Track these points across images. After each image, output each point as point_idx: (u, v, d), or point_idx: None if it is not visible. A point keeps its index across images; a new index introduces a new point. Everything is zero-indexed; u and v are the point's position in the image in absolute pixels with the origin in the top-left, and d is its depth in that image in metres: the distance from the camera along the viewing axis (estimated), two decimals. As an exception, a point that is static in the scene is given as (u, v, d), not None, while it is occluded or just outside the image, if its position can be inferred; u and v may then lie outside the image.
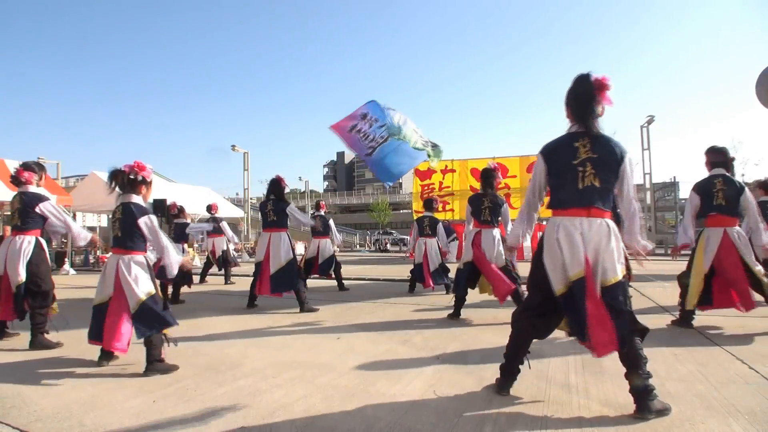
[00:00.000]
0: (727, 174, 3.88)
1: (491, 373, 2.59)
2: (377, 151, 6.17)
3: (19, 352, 3.53)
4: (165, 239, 3.11)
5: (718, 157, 3.96)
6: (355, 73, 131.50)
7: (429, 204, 6.73)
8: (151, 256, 3.27)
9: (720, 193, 3.82)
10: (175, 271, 3.18)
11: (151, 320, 2.95)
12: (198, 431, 2.07)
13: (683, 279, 4.11)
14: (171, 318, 3.03)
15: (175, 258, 3.13)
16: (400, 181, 64.82)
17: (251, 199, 22.45)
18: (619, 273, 2.17)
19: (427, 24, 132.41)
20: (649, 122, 17.25)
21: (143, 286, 2.97)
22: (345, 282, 7.52)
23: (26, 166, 3.87)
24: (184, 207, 7.19)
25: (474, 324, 4.38)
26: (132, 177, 3.06)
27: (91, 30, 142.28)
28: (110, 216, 3.18)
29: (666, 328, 4.05)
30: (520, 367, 2.48)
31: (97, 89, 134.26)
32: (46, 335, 3.69)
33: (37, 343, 3.61)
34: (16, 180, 3.82)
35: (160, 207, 8.18)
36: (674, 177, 31.28)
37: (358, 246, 35.01)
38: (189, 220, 7.24)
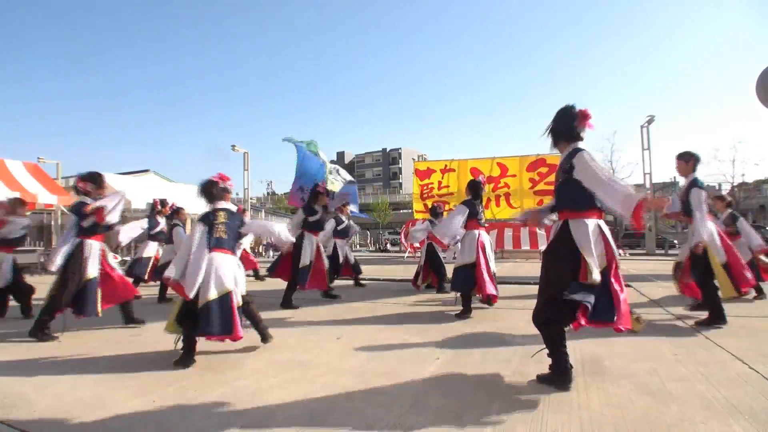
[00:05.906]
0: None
1: (492, 373, 2.59)
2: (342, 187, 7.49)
3: (20, 352, 3.54)
4: (267, 223, 3.78)
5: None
6: (356, 70, 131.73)
7: (434, 211, 7.00)
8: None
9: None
10: (288, 236, 3.75)
11: (219, 319, 3.07)
12: (198, 431, 2.07)
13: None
14: (234, 327, 3.13)
15: (283, 231, 3.68)
16: (400, 181, 64.97)
17: (251, 199, 22.44)
18: None
19: (428, 28, 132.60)
20: (649, 122, 17.23)
21: (219, 285, 3.12)
22: (344, 282, 7.54)
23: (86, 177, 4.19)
24: (184, 207, 6.95)
25: (475, 324, 4.38)
26: (222, 187, 3.45)
27: (93, 29, 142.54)
28: (210, 219, 3.31)
29: (666, 327, 4.05)
30: (571, 361, 2.56)
31: (96, 88, 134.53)
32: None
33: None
34: (77, 190, 4.20)
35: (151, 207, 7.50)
36: (674, 177, 31.12)
37: (358, 246, 34.97)
38: (188, 221, 7.13)
